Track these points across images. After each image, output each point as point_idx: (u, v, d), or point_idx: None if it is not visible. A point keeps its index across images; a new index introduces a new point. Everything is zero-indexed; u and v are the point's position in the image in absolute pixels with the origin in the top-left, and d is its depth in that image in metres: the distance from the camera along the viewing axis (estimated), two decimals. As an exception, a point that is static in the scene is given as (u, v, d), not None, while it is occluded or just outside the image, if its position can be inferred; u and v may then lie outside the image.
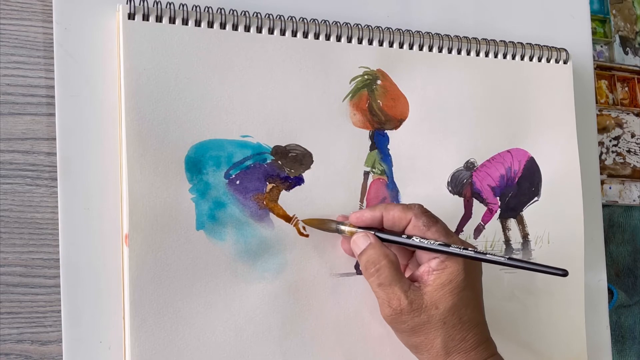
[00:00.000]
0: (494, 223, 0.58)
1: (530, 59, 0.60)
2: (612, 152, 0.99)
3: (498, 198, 0.59)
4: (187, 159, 0.47)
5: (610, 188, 0.97)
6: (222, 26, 0.49)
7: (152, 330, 0.45)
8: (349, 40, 0.53)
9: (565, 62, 0.62)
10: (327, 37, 0.53)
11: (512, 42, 0.59)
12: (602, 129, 0.98)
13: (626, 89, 1.01)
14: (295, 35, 0.51)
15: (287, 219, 0.50)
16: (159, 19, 0.47)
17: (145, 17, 0.47)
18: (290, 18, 0.51)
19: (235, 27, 0.49)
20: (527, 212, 0.60)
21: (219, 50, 0.49)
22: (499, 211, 0.58)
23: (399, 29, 0.55)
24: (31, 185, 0.47)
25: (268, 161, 0.50)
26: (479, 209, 0.58)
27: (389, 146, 0.54)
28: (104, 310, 0.46)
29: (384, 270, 0.46)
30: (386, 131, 0.54)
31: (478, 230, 0.57)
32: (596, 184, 0.66)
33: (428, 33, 0.56)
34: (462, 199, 0.57)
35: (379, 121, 0.54)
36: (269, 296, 0.49)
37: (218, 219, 0.48)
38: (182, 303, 0.46)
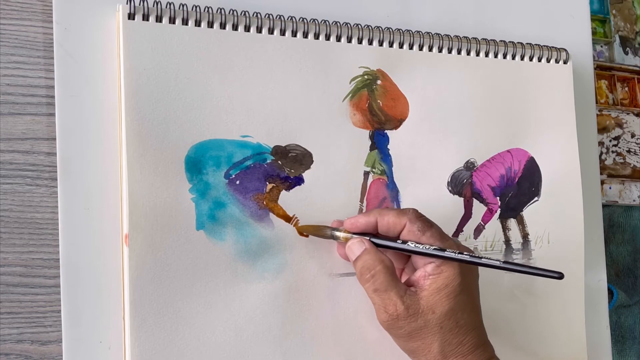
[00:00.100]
0: (494, 223, 0.58)
1: (530, 59, 0.60)
2: (612, 152, 0.99)
3: (498, 198, 0.59)
4: (187, 159, 0.47)
5: (610, 188, 0.97)
6: (222, 26, 0.49)
7: (152, 330, 0.45)
8: (349, 40, 0.53)
9: (565, 62, 0.62)
10: (327, 37, 0.53)
11: (512, 42, 0.59)
12: (602, 129, 0.98)
13: (626, 89, 1.01)
14: (295, 35, 0.51)
15: (287, 219, 0.50)
16: (159, 19, 0.47)
17: (145, 17, 0.47)
18: (290, 18, 0.51)
19: (235, 27, 0.49)
20: (527, 212, 0.60)
21: (219, 50, 0.49)
22: (499, 211, 0.58)
23: (399, 29, 0.55)
24: (31, 185, 0.47)
25: (268, 161, 0.50)
26: (479, 209, 0.58)
27: (389, 146, 0.54)
28: (104, 310, 0.46)
29: (380, 275, 0.46)
30: (386, 131, 0.54)
31: (478, 230, 0.57)
32: (596, 184, 0.66)
33: (428, 33, 0.56)
34: (462, 199, 0.57)
35: (379, 121, 0.54)
36: (268, 296, 0.49)
37: (218, 219, 0.48)
38: (182, 303, 0.46)
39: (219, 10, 0.49)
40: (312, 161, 0.51)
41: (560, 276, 0.44)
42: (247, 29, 0.50)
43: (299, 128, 0.51)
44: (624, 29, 1.03)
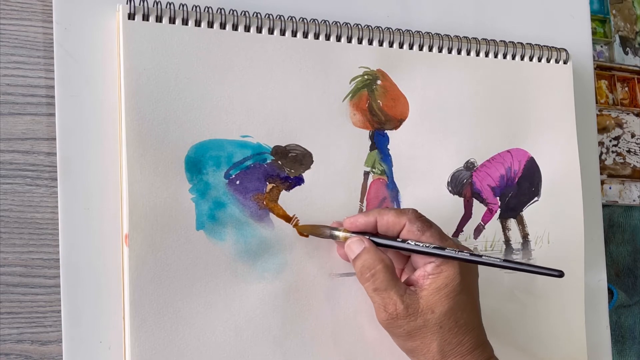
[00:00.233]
0: (494, 223, 0.58)
1: (530, 59, 0.60)
2: (612, 152, 0.99)
3: (498, 198, 0.59)
4: (187, 159, 0.47)
5: (610, 188, 0.97)
6: (222, 26, 0.49)
7: (152, 330, 0.45)
8: (349, 40, 0.53)
9: (565, 62, 0.62)
10: (327, 37, 0.53)
11: (512, 42, 0.59)
12: (602, 129, 0.98)
13: (626, 89, 1.01)
14: (295, 35, 0.52)
15: (287, 219, 0.50)
16: (159, 19, 0.47)
17: (145, 17, 0.47)
18: (290, 18, 0.51)
19: (235, 27, 0.50)
20: (527, 212, 0.60)
21: (219, 50, 0.49)
22: (499, 211, 0.58)
23: (399, 29, 0.55)
24: (31, 185, 0.47)
25: (268, 161, 0.50)
26: (479, 209, 0.58)
27: (389, 146, 0.54)
28: (104, 310, 0.46)
29: (380, 274, 0.46)
30: (386, 131, 0.54)
31: (478, 230, 0.57)
32: (596, 184, 0.66)
33: (428, 33, 0.56)
34: (462, 199, 0.57)
35: (379, 121, 0.54)
36: (268, 296, 0.49)
37: (218, 219, 0.48)
38: (182, 303, 0.46)
39: (219, 10, 0.49)
40: (312, 161, 0.51)
41: (560, 274, 0.44)
42: (247, 29, 0.50)
43: (299, 128, 0.51)
44: (624, 29, 1.03)
